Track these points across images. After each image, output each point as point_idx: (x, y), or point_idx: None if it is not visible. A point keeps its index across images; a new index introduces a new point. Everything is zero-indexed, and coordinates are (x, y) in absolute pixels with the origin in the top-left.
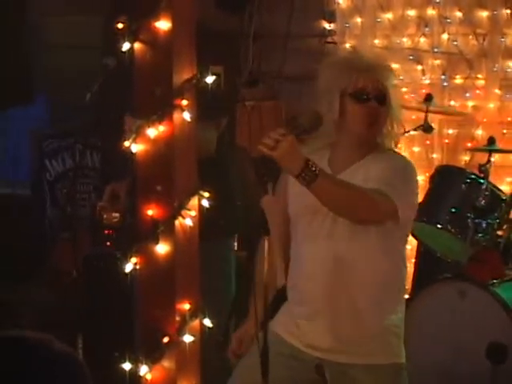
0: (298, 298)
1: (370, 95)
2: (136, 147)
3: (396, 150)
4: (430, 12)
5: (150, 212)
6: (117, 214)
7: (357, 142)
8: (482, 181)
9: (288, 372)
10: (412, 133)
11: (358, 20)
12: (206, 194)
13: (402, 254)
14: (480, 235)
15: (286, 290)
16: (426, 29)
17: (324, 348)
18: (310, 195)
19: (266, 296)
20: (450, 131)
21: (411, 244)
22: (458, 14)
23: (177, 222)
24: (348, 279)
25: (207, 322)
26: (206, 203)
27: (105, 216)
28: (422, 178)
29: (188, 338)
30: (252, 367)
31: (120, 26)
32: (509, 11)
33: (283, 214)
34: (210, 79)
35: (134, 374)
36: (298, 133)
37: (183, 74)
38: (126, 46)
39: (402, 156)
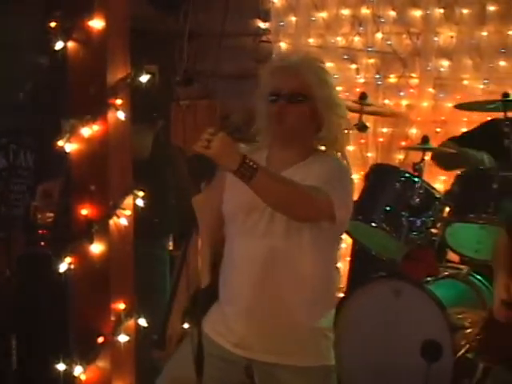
0: (229, 297)
1: (281, 94)
2: (70, 146)
3: (336, 154)
4: (364, 11)
5: (84, 211)
6: (51, 214)
7: (281, 142)
8: (416, 179)
9: (217, 373)
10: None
11: (293, 19)
12: (141, 194)
13: (334, 257)
14: (414, 233)
15: (211, 289)
16: (360, 28)
17: (253, 347)
18: (247, 194)
19: (197, 293)
20: (385, 130)
21: (346, 242)
22: (392, 14)
23: (111, 222)
24: (279, 278)
25: (142, 322)
26: (140, 202)
27: (39, 216)
28: (357, 177)
29: (123, 338)
30: (181, 362)
31: (53, 24)
32: (442, 10)
33: (217, 212)
34: (144, 78)
35: (68, 374)
36: (230, 131)
37: (117, 73)
38: (59, 45)
39: (339, 159)
